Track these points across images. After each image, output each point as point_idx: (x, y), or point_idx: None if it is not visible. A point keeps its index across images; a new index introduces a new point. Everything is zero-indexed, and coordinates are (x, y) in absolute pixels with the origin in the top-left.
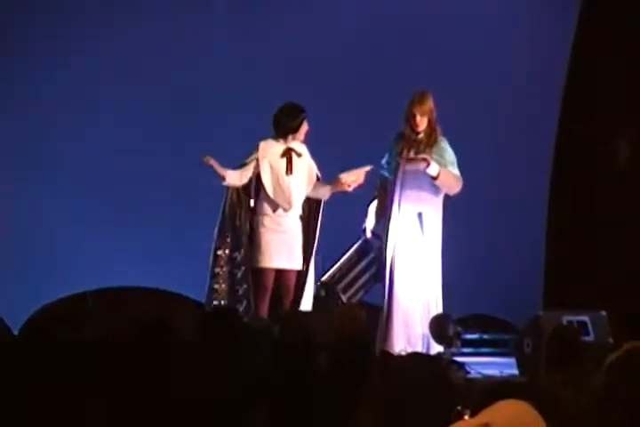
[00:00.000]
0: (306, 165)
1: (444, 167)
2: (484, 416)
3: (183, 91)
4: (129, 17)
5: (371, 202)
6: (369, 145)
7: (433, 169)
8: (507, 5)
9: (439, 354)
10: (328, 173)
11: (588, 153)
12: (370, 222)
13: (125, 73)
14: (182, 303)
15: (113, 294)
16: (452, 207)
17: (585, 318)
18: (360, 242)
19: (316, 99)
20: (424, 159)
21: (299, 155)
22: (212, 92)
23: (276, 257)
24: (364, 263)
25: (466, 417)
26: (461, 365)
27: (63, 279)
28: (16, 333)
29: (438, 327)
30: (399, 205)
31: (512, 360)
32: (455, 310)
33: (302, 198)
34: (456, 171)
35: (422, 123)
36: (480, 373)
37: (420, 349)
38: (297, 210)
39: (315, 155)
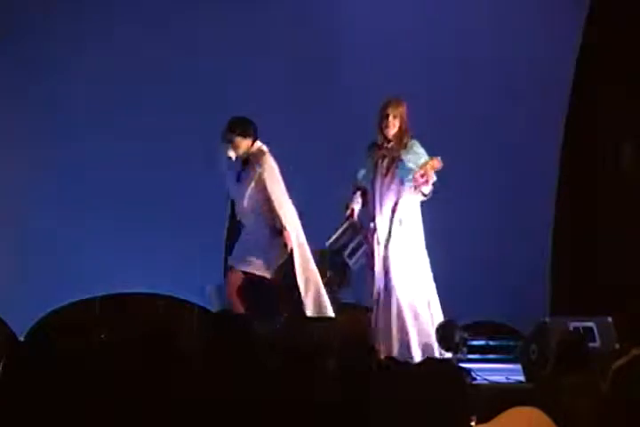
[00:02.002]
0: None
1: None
2: (497, 424)
3: (183, 92)
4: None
5: (354, 193)
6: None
7: (427, 188)
8: (513, 12)
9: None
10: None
11: (594, 157)
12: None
13: (122, 70)
14: (189, 310)
15: (120, 299)
16: (457, 214)
17: (591, 324)
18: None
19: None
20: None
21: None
22: (212, 96)
23: (231, 256)
24: (360, 237)
25: (473, 424)
26: (468, 371)
27: (69, 285)
28: (21, 338)
29: (445, 334)
30: (381, 212)
31: (518, 367)
32: (461, 316)
33: (250, 208)
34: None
35: (394, 125)
36: (486, 379)
37: (414, 354)
38: (247, 219)
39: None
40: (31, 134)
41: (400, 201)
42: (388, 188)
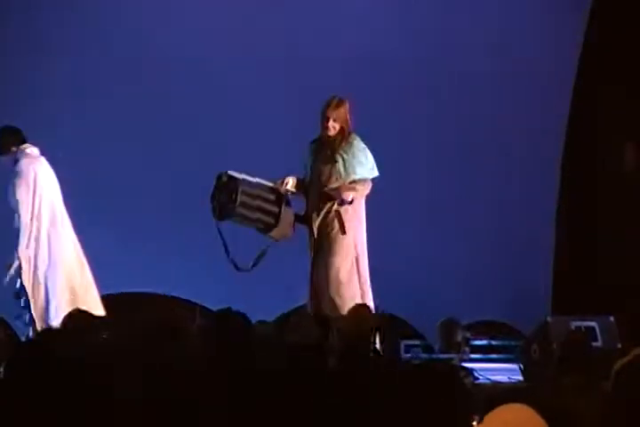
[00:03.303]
0: None
1: (352, 167)
2: (488, 423)
3: (182, 95)
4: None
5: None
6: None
7: (347, 197)
8: (514, 13)
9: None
10: None
11: (596, 157)
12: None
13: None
14: (191, 309)
15: (122, 299)
16: (460, 214)
17: (593, 324)
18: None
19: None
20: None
21: None
22: (207, 99)
23: None
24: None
25: (474, 423)
26: (470, 371)
27: None
28: (22, 338)
29: (447, 333)
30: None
31: (520, 366)
32: (463, 315)
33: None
34: (363, 170)
35: (334, 127)
36: (488, 379)
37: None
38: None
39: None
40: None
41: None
42: (325, 180)
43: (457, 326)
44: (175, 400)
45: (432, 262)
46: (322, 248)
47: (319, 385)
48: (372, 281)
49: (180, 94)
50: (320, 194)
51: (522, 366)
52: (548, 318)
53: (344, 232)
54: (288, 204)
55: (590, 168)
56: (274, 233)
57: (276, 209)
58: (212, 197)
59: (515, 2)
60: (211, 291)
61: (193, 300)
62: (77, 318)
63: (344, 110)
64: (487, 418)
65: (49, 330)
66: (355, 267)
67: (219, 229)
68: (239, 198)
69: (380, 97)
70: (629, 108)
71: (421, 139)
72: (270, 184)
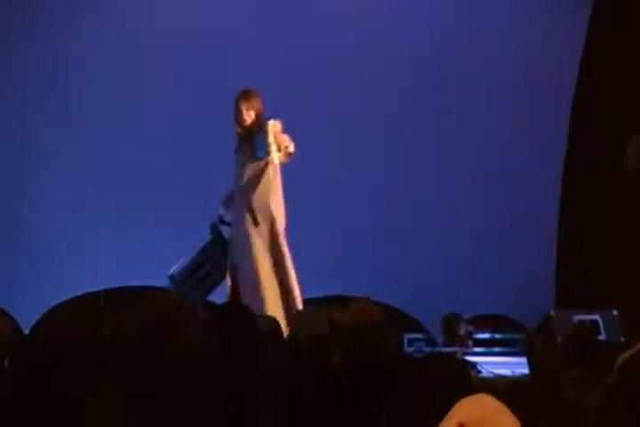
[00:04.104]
0: None
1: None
2: (453, 416)
3: (178, 96)
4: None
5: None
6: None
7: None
8: (515, 13)
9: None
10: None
11: (598, 156)
12: (223, 210)
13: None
14: (194, 303)
15: (125, 292)
16: (463, 210)
17: (596, 317)
18: (211, 231)
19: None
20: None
21: None
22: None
23: None
24: (213, 260)
25: None
26: (473, 364)
27: (73, 278)
28: (27, 331)
29: (450, 327)
30: (239, 198)
31: (524, 360)
32: (466, 309)
33: None
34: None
35: (250, 116)
36: (492, 372)
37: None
38: None
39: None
40: (35, 133)
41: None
42: (248, 170)
43: (460, 320)
44: (178, 394)
45: (435, 256)
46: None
47: (325, 380)
48: (374, 275)
49: (176, 94)
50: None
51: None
52: (552, 312)
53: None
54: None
55: (593, 164)
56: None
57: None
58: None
59: (516, 1)
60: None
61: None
62: (81, 310)
63: (256, 100)
64: (451, 414)
65: (49, 324)
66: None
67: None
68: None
69: (381, 97)
70: (632, 107)
71: (424, 138)
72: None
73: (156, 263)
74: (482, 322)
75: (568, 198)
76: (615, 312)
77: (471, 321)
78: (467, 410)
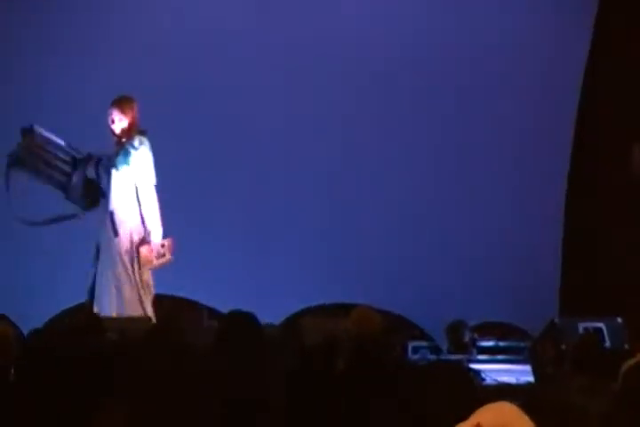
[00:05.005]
0: None
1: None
2: (474, 418)
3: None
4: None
5: None
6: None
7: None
8: (522, 8)
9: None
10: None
11: (603, 158)
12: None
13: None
14: (198, 310)
15: None
16: (467, 214)
17: (601, 325)
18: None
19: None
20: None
21: None
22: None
23: None
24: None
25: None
26: (477, 372)
27: (77, 285)
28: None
29: (454, 335)
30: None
31: (528, 367)
32: (470, 316)
33: None
34: (144, 181)
35: (120, 119)
36: (496, 380)
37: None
38: None
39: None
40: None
41: (116, 192)
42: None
43: (464, 327)
44: (185, 400)
45: (439, 264)
46: None
47: (328, 387)
48: (378, 281)
49: (183, 102)
50: None
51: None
52: (556, 320)
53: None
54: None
55: (597, 168)
56: (71, 197)
57: (68, 169)
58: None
59: (521, 2)
60: (216, 292)
61: (197, 300)
62: (83, 318)
63: (126, 106)
64: (473, 416)
65: (52, 330)
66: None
67: (7, 178)
68: (32, 149)
69: (381, 97)
70: (637, 108)
71: (427, 139)
72: (74, 153)
73: (162, 271)
74: (486, 329)
75: (573, 209)
76: (620, 319)
77: (476, 329)
78: (486, 414)
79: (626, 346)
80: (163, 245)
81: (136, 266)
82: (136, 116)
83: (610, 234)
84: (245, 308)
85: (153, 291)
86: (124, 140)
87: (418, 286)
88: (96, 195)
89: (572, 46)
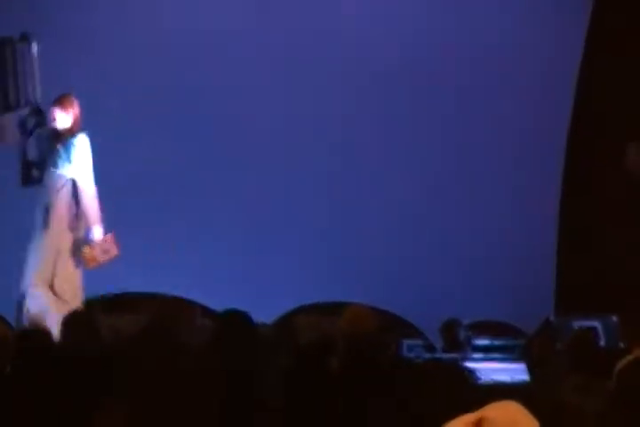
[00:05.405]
0: None
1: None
2: (478, 413)
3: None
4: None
5: None
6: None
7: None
8: (518, 8)
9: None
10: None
11: (599, 156)
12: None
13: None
14: (192, 309)
15: (123, 299)
16: (462, 213)
17: (596, 324)
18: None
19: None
20: None
21: None
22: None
23: None
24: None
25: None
26: (472, 371)
27: None
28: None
29: (449, 333)
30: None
31: (523, 366)
32: (465, 315)
33: None
34: (85, 179)
35: (61, 122)
36: (491, 379)
37: None
38: None
39: None
40: None
41: (51, 186)
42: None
43: (459, 326)
44: (179, 399)
45: (434, 262)
46: None
47: (323, 386)
48: (375, 281)
49: (179, 98)
50: None
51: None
52: (551, 318)
53: None
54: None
55: (592, 167)
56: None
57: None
58: None
59: (518, 3)
60: (210, 291)
61: (191, 299)
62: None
63: (68, 102)
64: (477, 412)
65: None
66: None
67: None
68: None
69: (381, 97)
70: (633, 107)
71: (426, 139)
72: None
73: (154, 269)
74: (481, 328)
75: (568, 207)
76: (615, 318)
77: (471, 327)
78: (492, 411)
79: (621, 345)
80: (106, 241)
81: (71, 263)
82: (77, 114)
83: (605, 233)
84: (243, 307)
85: (77, 297)
86: (65, 137)
87: (413, 286)
88: (28, 177)
89: (569, 46)
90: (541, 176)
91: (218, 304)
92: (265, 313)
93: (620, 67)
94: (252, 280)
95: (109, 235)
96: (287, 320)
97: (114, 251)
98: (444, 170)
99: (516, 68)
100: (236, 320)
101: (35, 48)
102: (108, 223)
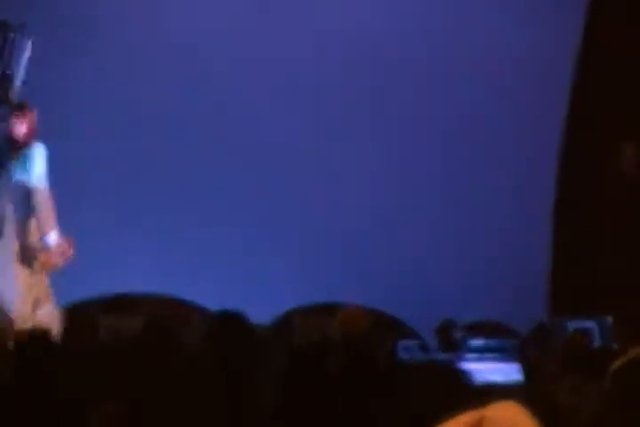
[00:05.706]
0: None
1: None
2: (479, 412)
3: (180, 99)
4: None
5: None
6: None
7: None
8: (514, 8)
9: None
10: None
11: (595, 157)
12: None
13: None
14: (190, 309)
15: (122, 298)
16: (457, 213)
17: (591, 324)
18: None
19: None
20: None
21: None
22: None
23: None
24: None
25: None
26: (467, 371)
27: (71, 284)
28: None
29: (444, 333)
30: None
31: (517, 366)
32: (460, 315)
33: None
34: (41, 186)
35: (18, 130)
36: (485, 379)
37: None
38: None
39: None
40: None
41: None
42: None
43: (454, 326)
44: (178, 399)
45: (429, 263)
46: None
47: (321, 386)
48: (371, 281)
49: (178, 98)
50: None
51: (522, 366)
52: (546, 319)
53: None
54: None
55: (589, 167)
56: None
57: None
58: None
59: (514, 2)
60: (207, 291)
61: (188, 300)
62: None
63: (29, 114)
64: (477, 411)
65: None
66: None
67: None
68: None
69: (380, 97)
70: (630, 108)
71: (421, 139)
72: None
73: (152, 270)
74: (476, 329)
75: (563, 208)
76: (610, 319)
77: (466, 328)
78: (493, 410)
79: (615, 345)
80: (61, 244)
81: (27, 270)
82: (34, 122)
83: (600, 234)
84: (242, 307)
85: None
86: (22, 145)
87: (408, 286)
88: None
89: (566, 46)
90: (537, 176)
91: (216, 304)
92: (263, 313)
93: (616, 67)
94: (251, 280)
95: (64, 238)
96: (285, 320)
97: (69, 253)
98: (441, 170)
99: (511, 68)
100: (231, 320)
101: (28, 43)
102: (108, 223)
